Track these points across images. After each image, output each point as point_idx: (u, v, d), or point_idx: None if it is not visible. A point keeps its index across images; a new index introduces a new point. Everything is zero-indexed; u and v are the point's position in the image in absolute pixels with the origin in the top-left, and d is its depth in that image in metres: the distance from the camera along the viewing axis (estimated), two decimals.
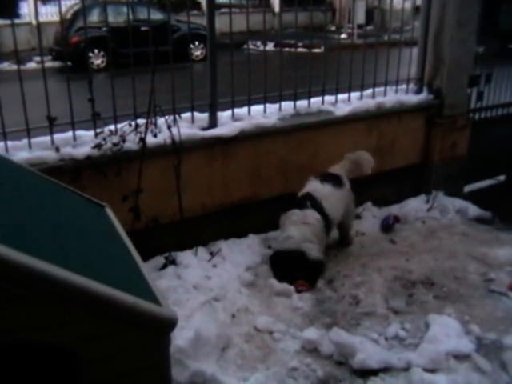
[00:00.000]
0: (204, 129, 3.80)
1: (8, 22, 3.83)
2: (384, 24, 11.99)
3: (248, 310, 3.15)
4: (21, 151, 3.19)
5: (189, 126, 3.75)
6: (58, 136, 3.33)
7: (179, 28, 12.69)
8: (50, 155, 3.20)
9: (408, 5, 5.03)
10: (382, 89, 4.76)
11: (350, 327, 3.02)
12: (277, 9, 20.07)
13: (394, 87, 4.85)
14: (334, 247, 4.03)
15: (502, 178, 5.97)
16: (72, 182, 2.99)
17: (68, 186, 2.64)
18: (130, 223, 3.25)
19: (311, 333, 2.89)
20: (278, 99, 4.21)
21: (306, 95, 4.35)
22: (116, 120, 3.46)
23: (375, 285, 3.43)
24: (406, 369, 2.64)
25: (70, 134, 3.38)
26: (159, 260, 3.54)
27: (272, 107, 4.21)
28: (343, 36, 14.54)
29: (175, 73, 3.59)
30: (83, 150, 3.27)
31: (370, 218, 4.56)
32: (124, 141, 3.36)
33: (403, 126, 4.79)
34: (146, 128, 3.38)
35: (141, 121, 3.42)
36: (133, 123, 3.41)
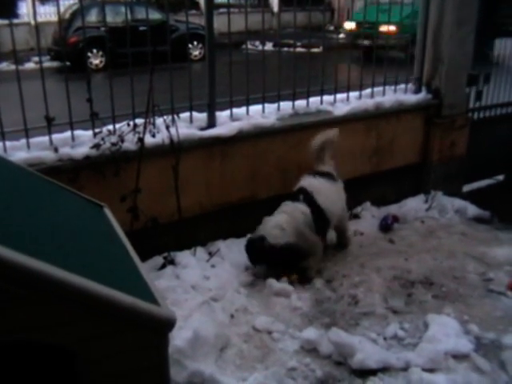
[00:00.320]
0: (202, 129, 3.79)
1: (6, 22, 3.81)
2: None
3: (247, 310, 3.15)
4: (19, 151, 3.19)
5: (187, 125, 3.75)
6: (56, 136, 3.32)
7: (178, 28, 12.68)
8: (48, 155, 3.19)
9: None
10: (380, 88, 4.76)
11: (348, 327, 3.02)
12: (275, 9, 20.09)
13: (393, 87, 4.85)
14: (333, 248, 4.03)
15: (500, 177, 5.97)
16: (70, 182, 2.99)
17: (66, 186, 2.64)
18: (128, 223, 3.25)
19: (310, 333, 2.89)
20: (277, 99, 4.21)
21: (305, 95, 4.35)
22: (114, 120, 3.45)
23: (374, 284, 3.43)
24: (405, 369, 2.64)
25: (68, 134, 3.38)
26: (158, 260, 3.54)
27: (271, 107, 4.21)
28: (342, 36, 14.55)
29: (174, 73, 3.59)
30: (81, 150, 3.27)
31: (368, 217, 4.57)
32: (122, 141, 3.35)
33: (402, 125, 4.80)
34: (145, 128, 3.38)
35: (139, 121, 3.42)
36: (131, 123, 3.41)
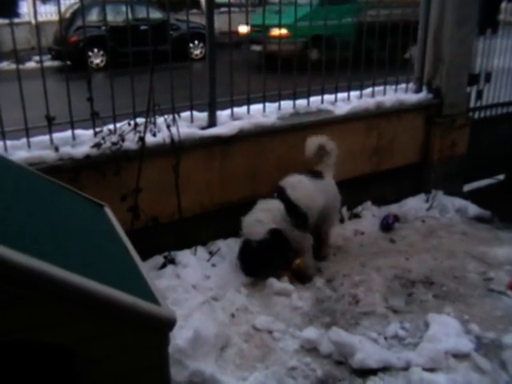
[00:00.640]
0: (203, 128, 3.79)
1: (7, 21, 3.82)
2: None
3: (247, 310, 3.15)
4: (20, 150, 3.19)
5: (188, 125, 3.75)
6: (56, 135, 3.32)
7: (179, 27, 12.68)
8: (48, 154, 3.19)
9: None
10: (381, 88, 4.75)
11: (349, 326, 3.02)
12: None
13: (394, 86, 4.85)
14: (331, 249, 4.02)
15: (501, 177, 5.97)
16: (71, 182, 2.98)
17: (67, 185, 2.64)
18: (129, 222, 3.25)
19: (310, 332, 2.89)
20: (278, 98, 4.21)
21: (306, 94, 4.34)
22: (115, 119, 3.45)
23: (375, 284, 3.43)
24: (406, 368, 2.64)
25: (69, 133, 3.38)
26: (158, 259, 3.54)
27: (271, 106, 4.21)
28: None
29: (175, 72, 3.59)
30: (82, 150, 3.27)
31: (369, 217, 4.57)
32: (123, 140, 3.35)
33: (403, 125, 4.79)
34: (145, 127, 3.38)
35: (140, 120, 3.41)
36: (132, 122, 3.41)
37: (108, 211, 2.59)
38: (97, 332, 1.60)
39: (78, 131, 3.41)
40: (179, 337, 2.59)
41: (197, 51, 15.30)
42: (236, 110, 4.01)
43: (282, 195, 3.59)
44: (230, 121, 3.92)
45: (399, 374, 2.62)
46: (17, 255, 1.42)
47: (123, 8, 11.32)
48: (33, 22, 16.45)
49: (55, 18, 14.75)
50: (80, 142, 3.36)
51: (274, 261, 3.51)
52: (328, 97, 4.48)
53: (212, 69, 3.75)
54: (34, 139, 3.26)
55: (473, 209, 4.72)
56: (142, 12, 12.03)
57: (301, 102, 4.32)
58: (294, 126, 4.13)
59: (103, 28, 10.31)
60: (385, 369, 2.65)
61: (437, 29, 4.77)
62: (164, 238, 3.53)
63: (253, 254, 3.41)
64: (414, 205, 4.76)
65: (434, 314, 3.06)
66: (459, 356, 2.73)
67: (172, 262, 3.51)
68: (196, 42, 15.01)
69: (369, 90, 4.69)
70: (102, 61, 14.14)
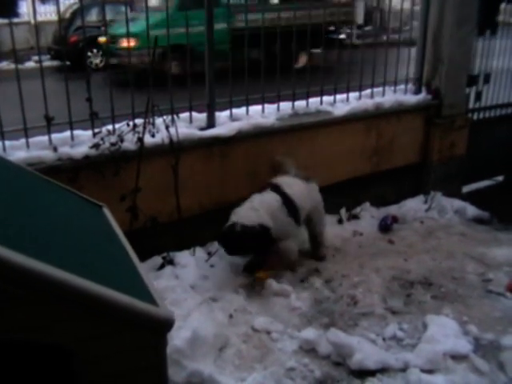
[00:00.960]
0: (202, 129, 3.79)
1: (6, 21, 3.81)
2: (383, 24, 12.01)
3: (246, 310, 3.15)
4: (18, 151, 3.19)
5: (187, 125, 3.75)
6: (55, 135, 3.32)
7: None
8: (47, 155, 3.19)
9: (407, 5, 5.02)
10: (380, 89, 4.76)
11: (347, 327, 3.02)
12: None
13: (393, 87, 4.85)
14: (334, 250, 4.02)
15: (500, 178, 5.98)
16: (70, 182, 2.99)
17: (66, 185, 2.64)
18: (127, 223, 3.25)
19: (309, 333, 2.89)
20: (277, 99, 4.21)
21: (305, 95, 4.35)
22: (114, 120, 3.45)
23: (373, 285, 3.43)
24: (404, 369, 2.64)
25: (67, 133, 3.38)
26: (157, 260, 3.54)
27: (270, 107, 4.21)
28: (342, 36, 14.54)
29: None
30: (81, 150, 3.27)
31: (368, 218, 4.57)
32: (122, 140, 3.35)
33: (402, 125, 4.80)
34: (144, 128, 3.38)
35: (139, 120, 3.41)
36: (131, 123, 3.41)
37: (106, 212, 2.59)
38: (95, 332, 1.60)
39: (77, 131, 3.42)
40: (177, 337, 2.59)
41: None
42: (235, 110, 4.01)
43: (277, 190, 3.57)
44: (229, 121, 3.92)
45: (397, 375, 2.62)
46: (15, 255, 1.42)
47: (123, 8, 11.25)
48: (32, 21, 16.44)
49: (54, 17, 14.74)
50: (79, 142, 3.36)
51: (252, 250, 3.47)
52: (327, 98, 4.48)
53: (211, 70, 3.75)
54: (32, 139, 3.26)
55: (472, 210, 4.73)
56: None
57: (300, 103, 4.33)
58: (293, 127, 4.14)
59: (103, 28, 10.30)
60: (383, 370, 2.65)
61: (436, 29, 4.77)
62: (163, 239, 3.53)
63: (238, 235, 3.32)
64: (412, 206, 4.76)
65: (433, 315, 3.06)
66: (457, 357, 2.73)
67: (170, 262, 3.51)
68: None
69: (368, 90, 4.69)
70: (101, 61, 14.13)
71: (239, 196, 3.94)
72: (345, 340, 2.76)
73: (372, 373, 2.64)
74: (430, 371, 2.62)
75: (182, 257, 3.58)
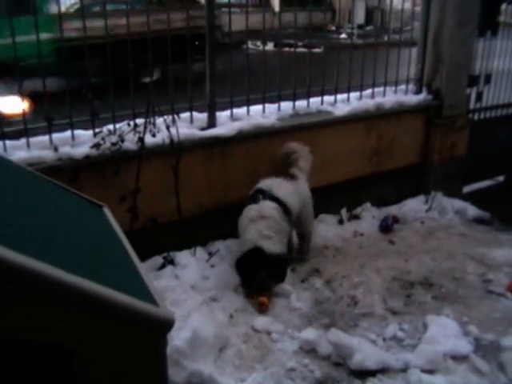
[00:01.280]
0: (203, 129, 3.79)
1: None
2: (384, 24, 12.01)
3: (246, 311, 3.15)
4: (19, 150, 3.18)
5: (187, 125, 3.75)
6: (56, 135, 3.32)
7: None
8: (48, 155, 3.19)
9: (408, 5, 5.03)
10: (381, 89, 4.76)
11: (348, 328, 3.02)
12: (277, 8, 20.08)
13: (394, 88, 4.85)
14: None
15: (500, 178, 5.97)
16: (70, 182, 2.99)
17: (66, 185, 2.64)
18: (128, 223, 3.25)
19: (309, 333, 2.89)
20: (277, 99, 4.21)
21: (305, 95, 4.34)
22: (114, 120, 3.45)
23: (373, 285, 3.43)
24: (404, 370, 2.64)
25: (68, 133, 3.38)
26: (157, 260, 3.54)
27: (271, 107, 4.21)
28: (343, 36, 14.56)
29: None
30: (81, 150, 3.27)
31: (368, 218, 4.57)
32: (122, 140, 3.35)
33: (402, 126, 4.79)
34: (145, 128, 3.38)
35: (139, 120, 3.41)
36: (131, 123, 3.41)
37: (107, 211, 2.59)
38: (95, 332, 1.60)
39: (78, 131, 3.41)
40: (178, 337, 2.59)
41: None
42: (236, 110, 4.01)
43: (268, 196, 3.53)
44: (230, 121, 3.92)
45: (398, 376, 2.62)
46: (15, 255, 1.42)
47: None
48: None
49: None
50: (79, 142, 3.36)
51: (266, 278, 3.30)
52: (328, 98, 4.48)
53: (212, 69, 3.75)
54: (33, 139, 3.26)
55: (472, 210, 4.72)
56: None
57: (300, 103, 4.32)
58: (294, 127, 4.13)
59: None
60: (383, 370, 2.65)
61: (437, 30, 4.77)
62: (163, 239, 3.53)
63: (259, 265, 3.23)
64: (413, 206, 4.76)
65: (433, 316, 3.06)
66: (458, 358, 2.73)
67: (171, 262, 3.51)
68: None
69: (368, 91, 4.69)
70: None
71: (240, 196, 3.95)
72: (345, 340, 2.76)
73: (372, 373, 2.63)
74: (430, 371, 2.62)
75: (183, 257, 3.57)
